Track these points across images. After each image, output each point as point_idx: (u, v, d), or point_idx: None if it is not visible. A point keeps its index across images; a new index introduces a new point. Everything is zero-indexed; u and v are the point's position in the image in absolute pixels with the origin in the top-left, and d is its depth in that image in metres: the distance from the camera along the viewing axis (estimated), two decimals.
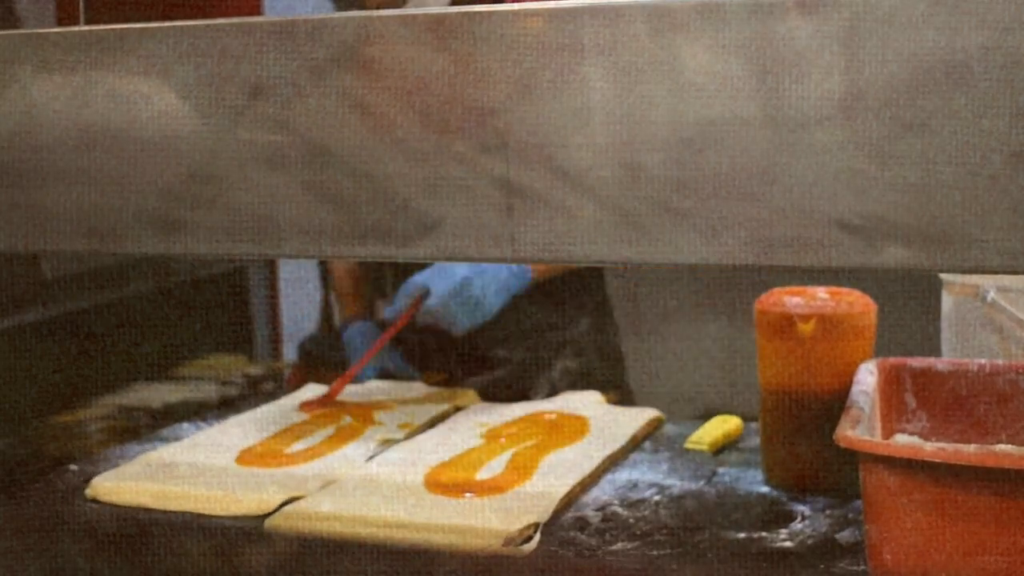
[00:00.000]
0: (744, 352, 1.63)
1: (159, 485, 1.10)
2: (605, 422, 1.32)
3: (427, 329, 1.58)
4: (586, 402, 1.41)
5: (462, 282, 1.49)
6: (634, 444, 1.27)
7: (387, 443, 1.25)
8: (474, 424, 1.33)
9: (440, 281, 1.50)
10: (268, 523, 1.03)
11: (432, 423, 1.35)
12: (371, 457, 1.21)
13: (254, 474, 1.16)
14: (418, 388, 1.52)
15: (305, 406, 1.38)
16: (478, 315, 1.52)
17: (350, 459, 1.21)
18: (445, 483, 1.11)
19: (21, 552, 0.38)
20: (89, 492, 1.10)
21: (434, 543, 0.35)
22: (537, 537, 0.99)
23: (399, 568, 0.37)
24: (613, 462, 1.20)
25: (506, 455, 1.20)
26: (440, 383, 1.61)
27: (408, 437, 1.29)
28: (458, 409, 1.41)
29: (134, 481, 1.11)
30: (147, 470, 1.16)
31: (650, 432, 1.32)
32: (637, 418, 1.33)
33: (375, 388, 1.52)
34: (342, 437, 1.27)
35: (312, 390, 1.50)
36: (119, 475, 1.14)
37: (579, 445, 1.23)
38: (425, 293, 1.50)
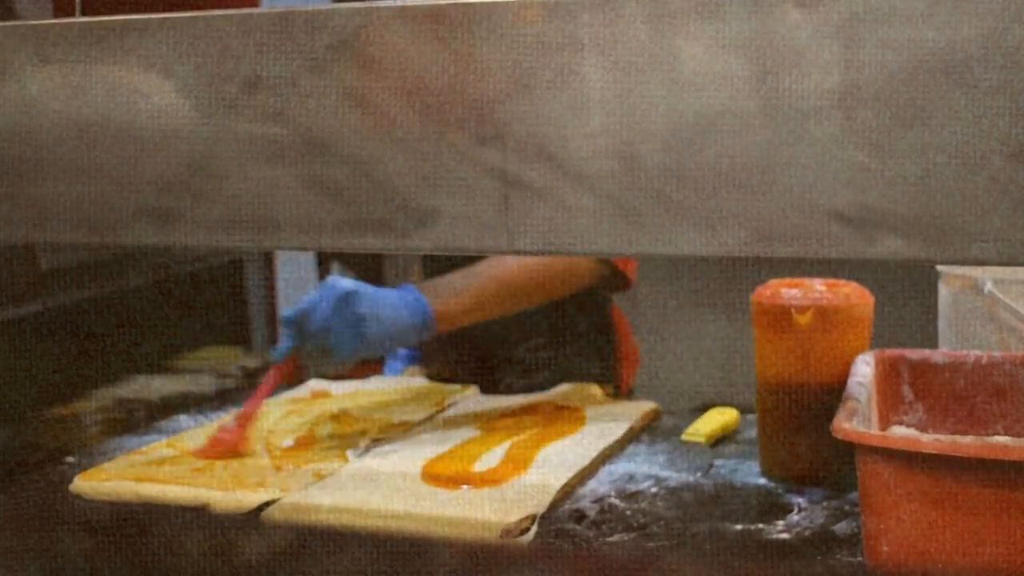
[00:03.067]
0: (741, 344, 1.63)
1: (143, 483, 1.10)
2: (602, 414, 1.32)
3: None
4: (583, 394, 1.42)
5: (343, 298, 1.29)
6: (631, 436, 1.27)
7: (377, 441, 1.25)
8: (471, 417, 1.34)
9: (318, 305, 1.29)
10: (265, 515, 1.03)
11: (426, 420, 1.35)
12: (362, 454, 1.21)
13: (243, 470, 1.16)
14: (418, 382, 1.52)
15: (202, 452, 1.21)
16: (364, 339, 1.30)
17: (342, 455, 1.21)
18: (442, 475, 1.12)
19: (16, 543, 0.38)
20: (72, 488, 1.10)
21: (431, 535, 0.35)
22: (534, 529, 0.99)
23: (396, 560, 0.37)
24: (610, 454, 1.21)
25: (503, 447, 1.20)
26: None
27: (400, 437, 1.29)
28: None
29: (117, 480, 1.11)
30: (130, 467, 1.16)
31: (647, 424, 1.32)
32: (634, 410, 1.34)
33: (376, 383, 1.52)
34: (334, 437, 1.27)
35: (314, 387, 1.50)
36: (104, 472, 1.14)
37: (576, 437, 1.24)
38: (308, 316, 1.29)
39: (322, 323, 1.28)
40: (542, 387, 1.47)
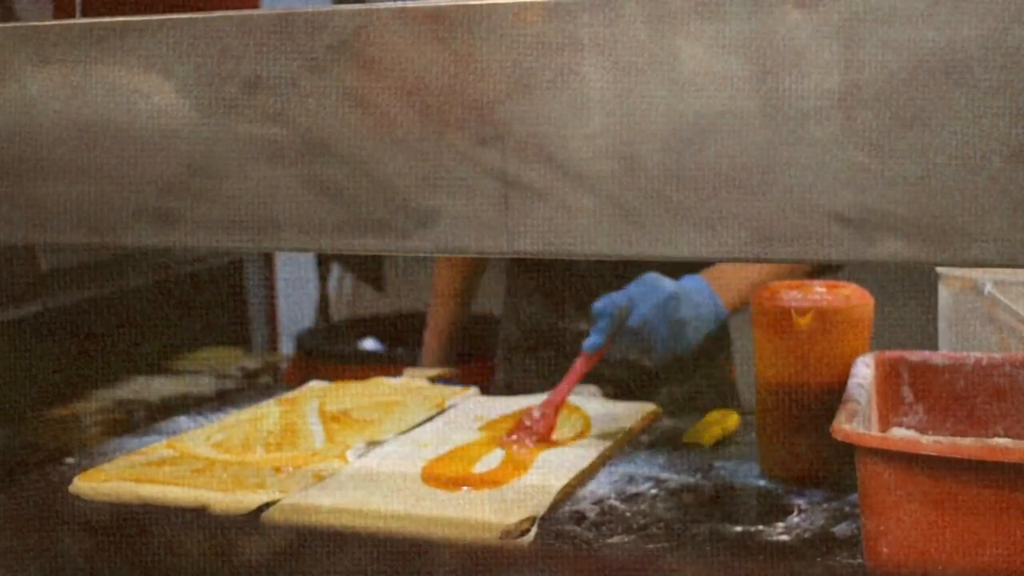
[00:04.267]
0: (741, 345, 1.63)
1: (142, 484, 1.10)
2: (603, 415, 1.32)
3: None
4: (584, 395, 1.42)
5: (667, 298, 1.30)
6: (631, 438, 1.27)
7: (376, 442, 1.25)
8: (471, 418, 1.33)
9: (641, 300, 1.29)
10: (265, 516, 1.03)
11: (426, 421, 1.35)
12: (362, 455, 1.21)
13: (243, 471, 1.16)
14: (417, 383, 1.52)
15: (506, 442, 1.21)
16: (680, 342, 1.31)
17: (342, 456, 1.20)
18: (442, 476, 1.11)
19: (16, 544, 0.38)
20: (72, 489, 1.10)
21: (431, 536, 0.35)
22: (534, 530, 0.99)
23: (396, 561, 0.37)
24: (610, 456, 1.20)
25: (503, 449, 1.20)
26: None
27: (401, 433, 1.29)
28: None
29: (117, 480, 1.11)
30: (130, 467, 1.16)
31: (647, 426, 1.32)
32: (634, 412, 1.34)
33: (376, 384, 1.52)
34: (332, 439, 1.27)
35: (314, 386, 1.50)
36: (104, 472, 1.14)
37: (577, 438, 1.23)
38: (626, 312, 1.29)
39: (642, 322, 1.29)
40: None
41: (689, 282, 1.38)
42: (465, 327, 1.76)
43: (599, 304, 1.31)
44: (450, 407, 1.40)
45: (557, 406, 1.25)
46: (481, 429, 1.28)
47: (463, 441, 1.23)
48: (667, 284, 1.32)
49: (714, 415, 1.31)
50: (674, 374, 1.54)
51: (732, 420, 1.30)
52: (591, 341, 1.28)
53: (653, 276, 1.34)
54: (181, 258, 1.64)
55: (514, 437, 1.22)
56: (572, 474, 1.11)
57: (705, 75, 0.59)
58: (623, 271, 1.55)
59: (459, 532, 0.98)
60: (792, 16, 0.57)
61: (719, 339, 1.59)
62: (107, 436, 1.36)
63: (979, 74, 0.55)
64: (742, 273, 1.41)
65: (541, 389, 1.47)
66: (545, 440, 1.21)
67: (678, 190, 0.61)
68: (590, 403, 1.38)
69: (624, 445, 1.24)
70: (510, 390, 1.50)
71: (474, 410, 1.37)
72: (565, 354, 1.58)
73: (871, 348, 1.12)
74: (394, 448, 1.23)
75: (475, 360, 1.91)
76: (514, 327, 1.66)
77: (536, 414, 1.24)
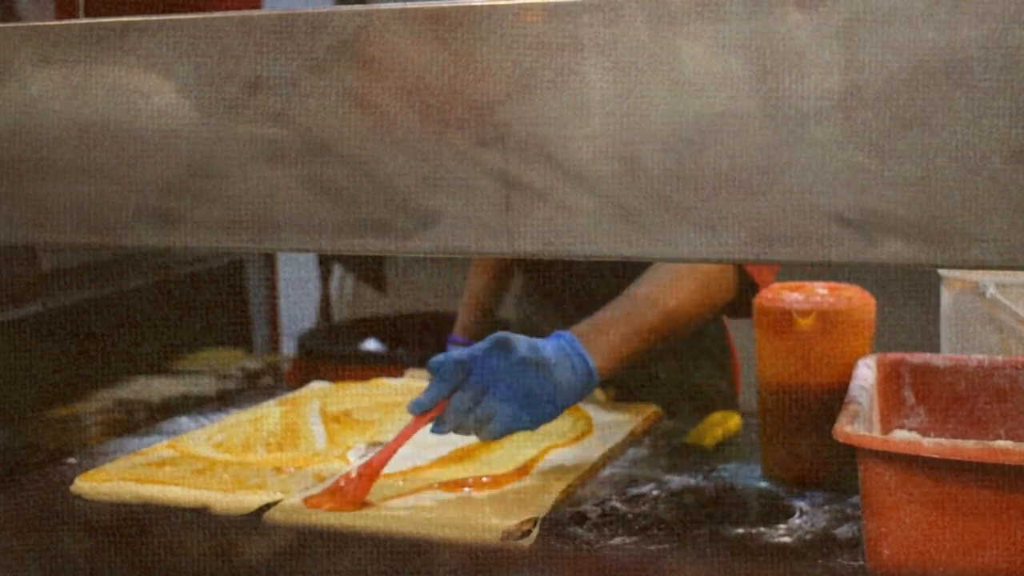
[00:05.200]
0: (742, 346, 1.62)
1: (143, 484, 1.10)
2: (604, 417, 1.32)
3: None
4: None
5: (517, 362, 1.09)
6: (633, 439, 1.27)
7: (378, 443, 1.25)
8: None
9: (487, 358, 1.10)
10: (266, 517, 1.03)
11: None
12: (363, 455, 1.21)
13: (244, 471, 1.16)
14: (418, 384, 1.52)
15: (312, 501, 1.07)
16: (525, 417, 1.09)
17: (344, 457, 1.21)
18: (444, 477, 1.11)
19: (18, 543, 0.38)
20: (73, 489, 1.10)
21: (432, 537, 0.35)
22: (535, 531, 0.99)
23: (397, 561, 0.37)
24: (612, 457, 1.20)
25: (505, 450, 1.20)
26: None
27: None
28: None
29: (118, 481, 1.11)
30: (131, 467, 1.16)
31: (649, 427, 1.32)
32: (636, 413, 1.33)
33: (378, 383, 1.52)
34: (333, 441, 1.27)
35: (316, 387, 1.50)
36: (105, 473, 1.14)
37: (579, 439, 1.23)
38: (465, 370, 1.09)
39: (480, 387, 1.09)
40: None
41: (552, 342, 1.15)
42: (501, 304, 1.74)
43: (436, 360, 1.11)
44: None
45: (376, 470, 1.07)
46: None
47: (464, 442, 1.23)
48: (520, 348, 1.10)
49: (715, 416, 1.31)
50: (673, 375, 1.53)
51: (733, 421, 1.30)
52: (418, 400, 1.09)
53: (505, 337, 1.12)
54: (182, 258, 1.64)
55: (323, 499, 1.06)
56: (574, 475, 1.11)
57: (705, 76, 0.59)
58: (622, 271, 1.55)
59: (460, 533, 0.98)
60: (792, 17, 0.57)
61: (717, 340, 1.59)
62: (108, 436, 1.36)
63: (979, 75, 0.55)
64: (624, 327, 1.20)
65: None
66: (355, 505, 1.05)
67: (679, 191, 0.61)
68: (591, 404, 1.38)
69: (626, 446, 1.24)
70: None
71: None
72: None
73: (873, 350, 1.12)
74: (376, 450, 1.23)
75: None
76: (514, 329, 1.66)
77: (352, 475, 1.07)
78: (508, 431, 1.09)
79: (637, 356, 1.21)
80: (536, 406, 1.10)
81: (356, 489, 1.05)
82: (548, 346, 1.13)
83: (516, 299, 1.68)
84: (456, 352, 1.11)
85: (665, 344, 1.26)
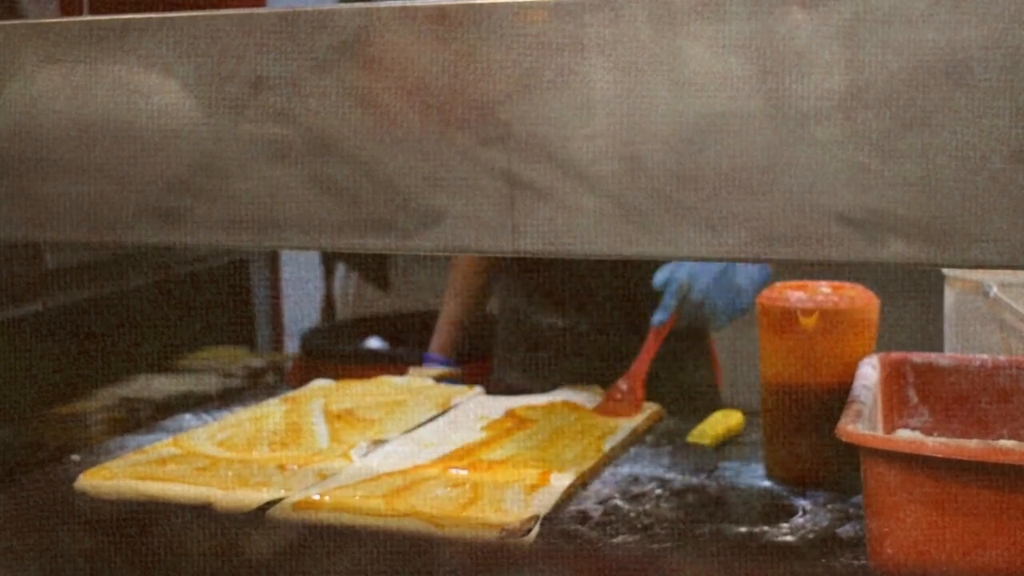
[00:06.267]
0: (742, 345, 1.62)
1: (146, 482, 1.11)
2: (606, 416, 1.32)
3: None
4: (586, 397, 1.41)
5: (724, 269, 1.39)
6: (635, 438, 1.27)
7: (380, 441, 1.25)
8: (475, 418, 1.33)
9: (700, 273, 1.38)
10: (269, 515, 1.03)
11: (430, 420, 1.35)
12: (366, 453, 1.21)
13: (247, 469, 1.16)
14: (420, 383, 1.52)
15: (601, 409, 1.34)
16: (738, 306, 1.41)
17: (346, 455, 1.21)
18: (446, 475, 1.12)
19: (21, 541, 0.38)
20: (77, 486, 1.10)
21: (434, 534, 0.35)
22: (536, 529, 0.99)
23: (399, 559, 0.37)
24: (614, 456, 1.20)
25: (508, 448, 1.20)
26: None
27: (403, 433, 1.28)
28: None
29: (121, 478, 1.12)
30: (135, 465, 1.16)
31: (651, 426, 1.32)
32: (639, 413, 1.34)
33: (381, 382, 1.52)
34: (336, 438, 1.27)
35: (319, 385, 1.50)
36: (108, 470, 1.14)
37: (581, 438, 1.23)
38: (687, 287, 1.38)
39: (703, 296, 1.37)
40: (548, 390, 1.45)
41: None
42: (470, 324, 1.76)
43: (660, 278, 1.40)
44: (454, 406, 1.40)
45: (642, 377, 1.37)
46: (484, 429, 1.29)
47: (467, 440, 1.24)
48: (714, 265, 1.39)
49: (717, 415, 1.31)
50: (661, 369, 1.55)
51: (735, 420, 1.30)
52: (658, 317, 1.39)
53: (695, 265, 1.40)
54: (186, 257, 1.65)
55: (608, 407, 1.33)
56: (576, 474, 1.11)
57: (708, 76, 0.59)
58: (622, 269, 1.55)
59: (460, 530, 0.98)
60: (794, 17, 0.57)
61: (695, 337, 1.60)
62: (112, 434, 1.36)
63: (980, 75, 0.55)
64: None
65: (542, 389, 1.47)
66: (638, 408, 1.33)
67: (681, 190, 0.61)
68: (592, 404, 1.38)
69: (628, 445, 1.24)
70: (511, 390, 1.50)
71: (476, 410, 1.37)
72: (564, 353, 1.58)
73: (876, 349, 1.12)
74: (398, 447, 1.23)
75: (478, 360, 1.91)
76: (509, 326, 1.66)
77: (624, 386, 1.36)
78: (725, 323, 1.40)
79: None
80: (740, 301, 1.39)
81: (635, 396, 1.34)
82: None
83: (504, 297, 1.67)
84: (674, 269, 1.38)
85: None
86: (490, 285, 1.75)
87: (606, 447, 1.20)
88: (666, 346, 1.53)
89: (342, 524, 0.38)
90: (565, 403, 1.37)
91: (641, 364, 1.39)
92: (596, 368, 1.51)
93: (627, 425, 1.28)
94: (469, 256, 1.73)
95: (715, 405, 1.54)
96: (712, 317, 1.40)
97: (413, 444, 1.24)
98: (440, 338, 1.74)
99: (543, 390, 1.47)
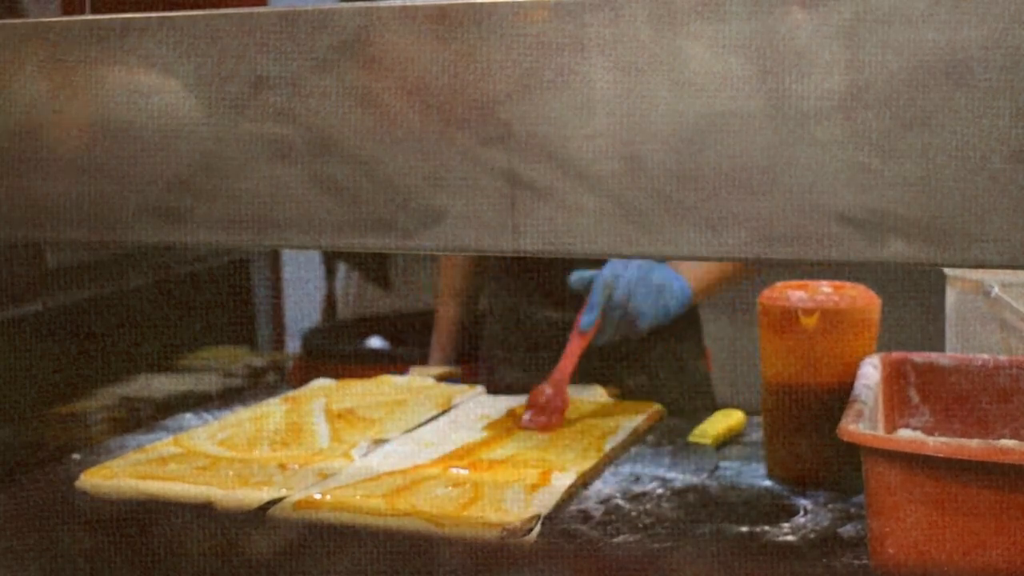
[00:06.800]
0: (742, 345, 1.62)
1: (147, 481, 1.11)
2: (607, 415, 1.32)
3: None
4: (589, 395, 1.41)
5: (645, 268, 1.39)
6: (636, 438, 1.27)
7: (380, 442, 1.25)
8: (476, 417, 1.33)
9: (622, 272, 1.37)
10: (270, 514, 1.03)
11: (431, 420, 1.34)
12: (366, 453, 1.21)
13: (248, 468, 1.16)
14: (420, 382, 1.52)
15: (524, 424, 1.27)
16: (661, 307, 1.39)
17: (347, 454, 1.21)
18: (447, 474, 1.12)
19: (22, 540, 0.38)
20: (78, 485, 1.11)
21: (435, 534, 0.35)
22: (537, 528, 0.99)
23: (400, 558, 0.37)
24: (615, 456, 1.20)
25: (508, 448, 1.20)
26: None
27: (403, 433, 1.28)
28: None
29: (122, 477, 1.12)
30: (135, 464, 1.16)
31: (652, 425, 1.32)
32: (639, 411, 1.33)
33: (381, 383, 1.52)
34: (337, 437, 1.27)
35: (320, 384, 1.50)
36: (109, 469, 1.14)
37: (582, 438, 1.23)
38: (611, 286, 1.36)
39: (627, 294, 1.36)
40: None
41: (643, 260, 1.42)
42: (470, 324, 1.77)
43: (576, 281, 1.38)
44: (455, 406, 1.40)
45: (565, 381, 1.30)
46: (485, 428, 1.29)
47: (468, 440, 1.24)
48: (634, 264, 1.38)
49: (718, 415, 1.31)
50: (655, 363, 1.56)
51: (736, 419, 1.30)
52: (586, 319, 1.35)
53: (619, 262, 1.38)
54: (187, 257, 1.65)
55: (528, 417, 1.27)
56: (577, 474, 1.11)
57: (708, 75, 0.59)
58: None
59: (461, 530, 0.98)
60: (795, 17, 0.57)
61: (689, 330, 1.60)
62: (112, 433, 1.36)
63: (980, 75, 0.55)
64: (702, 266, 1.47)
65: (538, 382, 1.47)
66: (562, 413, 1.27)
67: (681, 190, 0.61)
68: (594, 401, 1.38)
69: (629, 445, 1.24)
70: (511, 389, 1.50)
71: (477, 409, 1.37)
72: (553, 348, 1.58)
73: (877, 349, 1.12)
74: (398, 447, 1.23)
75: (479, 359, 1.91)
76: (508, 325, 1.66)
77: (548, 391, 1.29)
78: (650, 326, 1.38)
79: (713, 288, 1.46)
80: (663, 302, 1.39)
81: (559, 401, 1.28)
82: (662, 267, 1.41)
83: (501, 296, 1.67)
84: (594, 273, 1.36)
85: (729, 286, 1.51)
86: (484, 284, 1.76)
87: (607, 447, 1.20)
88: (665, 345, 1.54)
89: (342, 524, 0.38)
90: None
91: (564, 368, 1.32)
92: (596, 367, 1.51)
93: (628, 424, 1.28)
94: (459, 258, 1.74)
95: (711, 402, 1.55)
96: (636, 318, 1.37)
97: (414, 444, 1.24)
98: (434, 355, 1.74)
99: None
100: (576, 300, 1.55)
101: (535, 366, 1.60)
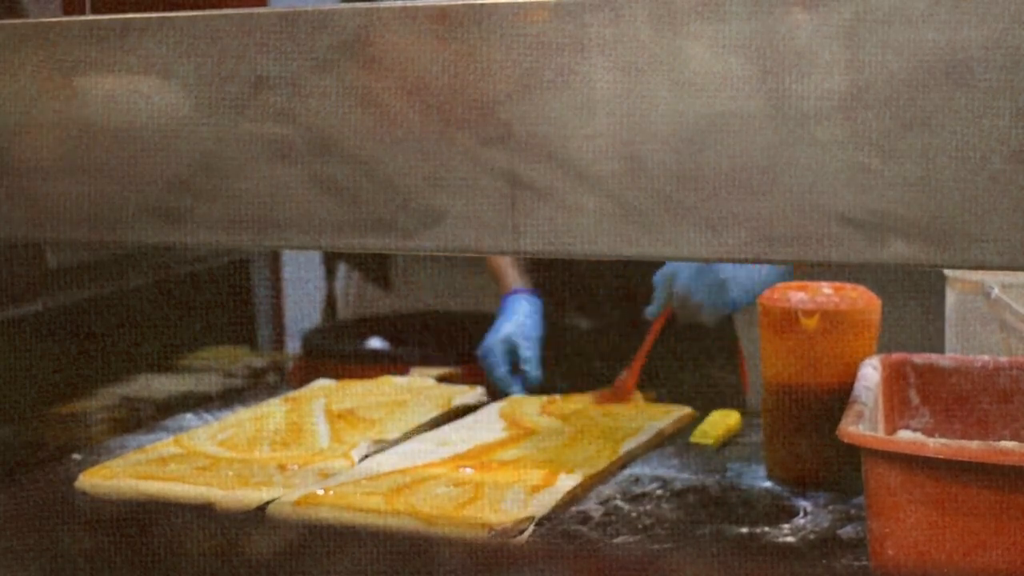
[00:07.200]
0: (746, 347, 1.62)
1: (147, 481, 1.11)
2: (635, 417, 1.32)
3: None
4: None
5: (706, 265, 1.40)
6: (660, 440, 1.26)
7: (380, 443, 1.25)
8: (499, 417, 1.33)
9: (682, 267, 1.41)
10: (269, 514, 1.03)
11: (431, 425, 1.34)
12: (367, 453, 1.21)
13: (248, 469, 1.16)
14: (420, 383, 1.52)
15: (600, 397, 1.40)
16: (724, 298, 1.40)
17: (350, 455, 1.21)
18: (452, 474, 1.12)
19: (22, 539, 0.38)
20: (77, 485, 1.11)
21: (432, 534, 0.35)
22: (530, 530, 0.99)
23: (399, 557, 0.36)
24: (631, 458, 1.20)
25: (524, 448, 1.20)
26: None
27: (405, 438, 1.28)
28: (468, 409, 1.40)
29: (122, 477, 1.12)
30: (136, 464, 1.16)
31: (679, 429, 1.31)
32: (668, 414, 1.32)
33: (383, 382, 1.51)
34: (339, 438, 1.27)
35: (320, 385, 1.50)
36: (109, 469, 1.14)
37: (602, 439, 1.23)
38: (670, 280, 1.41)
39: (685, 287, 1.39)
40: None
41: None
42: (471, 324, 1.75)
43: (657, 276, 1.44)
44: (456, 406, 1.40)
45: (637, 369, 1.41)
46: (505, 428, 1.28)
47: (485, 440, 1.23)
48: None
49: (716, 415, 1.31)
50: (686, 372, 1.55)
51: (734, 420, 1.30)
52: (651, 309, 1.43)
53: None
54: (187, 257, 1.65)
55: (604, 396, 1.40)
56: (584, 476, 1.10)
57: (708, 76, 0.59)
58: (622, 270, 1.54)
59: (451, 530, 0.98)
60: (795, 17, 0.57)
61: (726, 337, 1.59)
62: (113, 434, 1.36)
63: (980, 75, 0.55)
64: None
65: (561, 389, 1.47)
66: (625, 399, 1.39)
67: (681, 190, 0.61)
68: (626, 406, 1.37)
69: (650, 448, 1.23)
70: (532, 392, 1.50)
71: (504, 409, 1.37)
72: (588, 355, 1.58)
73: (877, 350, 1.12)
74: (399, 447, 1.23)
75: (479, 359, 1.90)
76: None
77: (623, 375, 1.42)
78: (713, 316, 1.42)
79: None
80: (724, 295, 1.39)
81: (627, 385, 1.40)
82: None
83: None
84: (666, 266, 1.41)
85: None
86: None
87: (624, 449, 1.19)
88: (695, 345, 1.54)
89: (342, 523, 0.38)
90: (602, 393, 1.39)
91: (638, 357, 1.42)
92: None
93: (651, 427, 1.27)
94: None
95: (740, 407, 1.53)
96: (697, 311, 1.41)
97: (418, 442, 1.24)
98: (512, 274, 1.69)
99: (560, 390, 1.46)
100: (602, 306, 1.55)
101: (560, 370, 1.59)
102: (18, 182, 0.74)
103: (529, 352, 1.49)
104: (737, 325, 1.62)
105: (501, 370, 1.49)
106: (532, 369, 1.48)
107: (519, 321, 1.52)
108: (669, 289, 1.41)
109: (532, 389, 1.49)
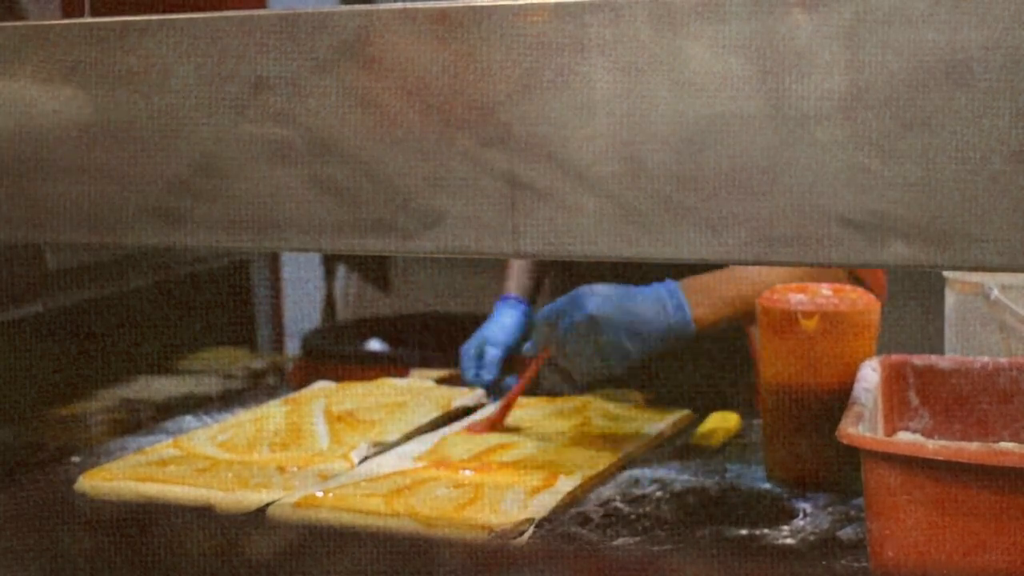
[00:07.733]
0: (742, 345, 1.61)
1: (147, 483, 1.11)
2: (634, 419, 1.32)
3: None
4: (622, 398, 1.41)
5: (588, 318, 1.27)
6: (660, 442, 1.26)
7: (379, 445, 1.25)
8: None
9: (565, 316, 1.28)
10: (269, 515, 1.03)
11: (431, 426, 1.34)
12: (366, 455, 1.21)
13: (248, 470, 1.16)
14: (420, 383, 1.52)
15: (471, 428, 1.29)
16: (600, 364, 1.29)
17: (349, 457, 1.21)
18: (452, 476, 1.12)
19: (21, 542, 0.38)
20: (77, 488, 1.10)
21: (431, 535, 0.35)
22: (530, 532, 0.99)
23: (399, 559, 0.36)
24: (632, 459, 1.20)
25: (526, 449, 1.20)
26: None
27: (404, 440, 1.28)
28: (467, 411, 1.40)
29: (121, 479, 1.12)
30: (135, 466, 1.16)
31: (678, 431, 1.31)
32: (667, 416, 1.32)
33: (382, 383, 1.51)
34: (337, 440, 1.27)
35: (320, 386, 1.50)
36: (108, 471, 1.14)
37: (602, 441, 1.23)
38: (552, 327, 1.30)
39: (563, 339, 1.29)
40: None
41: (648, 291, 1.32)
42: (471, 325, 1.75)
43: (537, 315, 1.36)
44: (456, 408, 1.40)
45: (507, 407, 1.30)
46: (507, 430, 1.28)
47: (489, 442, 1.23)
48: (590, 304, 1.27)
49: (715, 417, 1.31)
50: (697, 379, 1.53)
51: (733, 421, 1.30)
52: (527, 346, 1.39)
53: (585, 291, 1.29)
54: (186, 258, 1.65)
55: (472, 426, 1.30)
56: (583, 478, 1.10)
57: (708, 76, 0.59)
58: (622, 270, 1.54)
59: (451, 531, 0.98)
60: (795, 18, 0.57)
61: (739, 346, 1.57)
62: (112, 435, 1.36)
63: (980, 76, 0.55)
64: (732, 284, 1.34)
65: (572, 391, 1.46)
66: (495, 428, 1.28)
67: (681, 191, 0.61)
68: (623, 405, 1.37)
69: (649, 449, 1.23)
70: (548, 393, 1.49)
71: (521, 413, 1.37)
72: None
73: (877, 352, 1.12)
74: (399, 448, 1.23)
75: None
76: None
77: (493, 412, 1.32)
78: (588, 377, 1.30)
79: (732, 315, 1.35)
80: (610, 355, 1.28)
81: (497, 417, 1.29)
82: (630, 301, 1.30)
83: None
84: (549, 307, 1.31)
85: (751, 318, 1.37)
86: (541, 289, 1.72)
87: (623, 451, 1.19)
88: (715, 346, 1.51)
89: (341, 524, 0.38)
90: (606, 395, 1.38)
91: (512, 394, 1.30)
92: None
93: (651, 429, 1.27)
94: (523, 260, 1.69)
95: (752, 412, 1.52)
96: (571, 368, 1.30)
97: (414, 445, 1.24)
98: (515, 278, 1.67)
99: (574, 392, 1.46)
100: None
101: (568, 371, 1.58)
102: (18, 183, 0.74)
103: (490, 356, 1.45)
104: (751, 332, 1.60)
105: (469, 373, 1.47)
106: (485, 373, 1.44)
107: (495, 326, 1.50)
108: (548, 332, 1.29)
109: (492, 392, 1.46)
